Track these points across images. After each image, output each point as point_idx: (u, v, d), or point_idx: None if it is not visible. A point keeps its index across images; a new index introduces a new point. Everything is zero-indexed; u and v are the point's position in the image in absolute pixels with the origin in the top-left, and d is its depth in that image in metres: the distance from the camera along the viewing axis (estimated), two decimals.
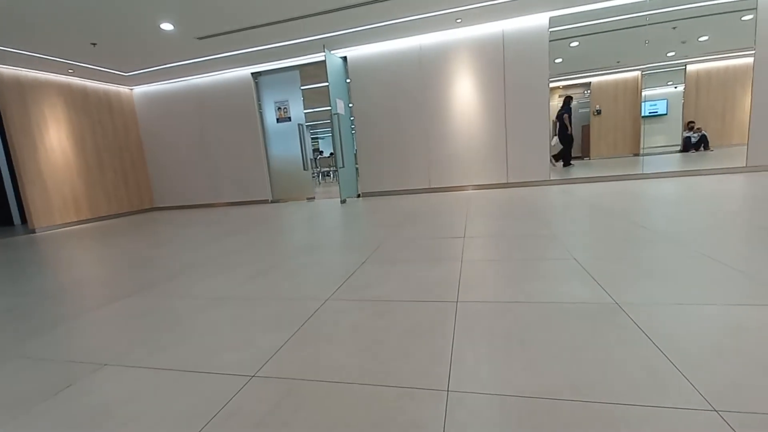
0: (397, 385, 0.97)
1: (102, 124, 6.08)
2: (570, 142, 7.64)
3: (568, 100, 7.71)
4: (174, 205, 6.89)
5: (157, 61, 5.37)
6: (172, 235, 3.81)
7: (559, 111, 7.71)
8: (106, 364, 1.22)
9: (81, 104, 5.77)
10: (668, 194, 3.58)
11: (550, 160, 7.63)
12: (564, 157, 7.80)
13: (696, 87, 8.81)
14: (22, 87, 5.03)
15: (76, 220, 5.62)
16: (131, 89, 6.60)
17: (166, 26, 4.17)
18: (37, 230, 5.12)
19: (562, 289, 1.50)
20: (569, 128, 7.55)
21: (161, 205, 6.97)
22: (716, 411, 0.78)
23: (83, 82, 5.81)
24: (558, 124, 7.74)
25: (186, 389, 1.04)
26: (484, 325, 1.25)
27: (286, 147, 6.15)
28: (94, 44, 4.47)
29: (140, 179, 6.74)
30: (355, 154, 5.94)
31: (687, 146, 8.64)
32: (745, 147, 4.76)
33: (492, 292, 1.52)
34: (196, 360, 1.19)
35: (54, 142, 5.39)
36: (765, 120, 4.54)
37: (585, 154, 9.55)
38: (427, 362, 1.06)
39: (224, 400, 0.97)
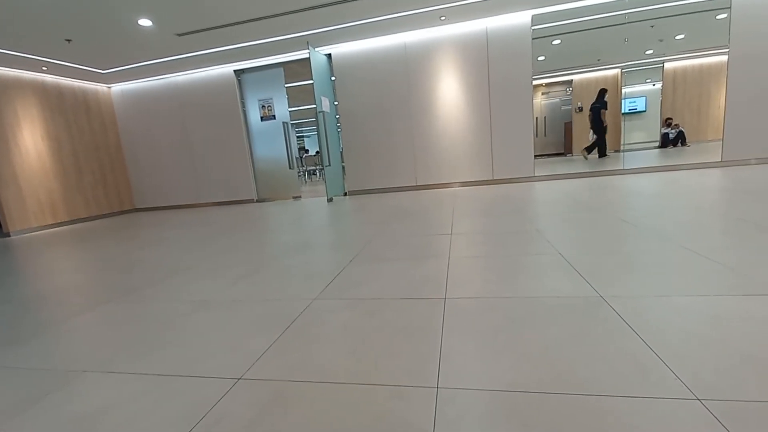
0: (387, 383, 0.96)
1: (78, 124, 5.89)
2: (603, 133, 7.65)
3: (603, 92, 7.71)
4: (156, 206, 6.74)
5: (135, 58, 5.23)
6: (154, 238, 3.73)
7: (593, 104, 7.72)
8: (86, 371, 1.18)
9: (56, 103, 5.58)
10: (649, 189, 3.67)
11: (582, 153, 7.69)
12: (599, 148, 7.80)
13: (673, 84, 9.04)
14: None
15: (52, 222, 5.45)
16: (109, 87, 6.41)
17: (145, 22, 4.06)
18: (12, 234, 4.94)
19: (548, 283, 1.51)
20: (604, 121, 7.58)
21: (142, 206, 6.80)
22: (699, 400, 0.79)
23: (58, 80, 5.61)
24: (591, 116, 7.75)
25: (170, 394, 1.01)
26: (473, 322, 1.25)
27: (270, 146, 6.07)
28: (69, 40, 4.32)
29: (119, 180, 6.56)
30: (342, 152, 5.91)
31: (665, 142, 8.87)
32: (720, 142, 4.91)
33: (479, 289, 1.53)
34: (180, 364, 1.16)
35: (28, 143, 5.20)
36: (739, 116, 4.68)
37: (567, 150, 9.72)
38: (417, 360, 1.06)
39: (210, 404, 0.95)
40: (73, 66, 5.22)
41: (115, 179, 6.47)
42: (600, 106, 7.58)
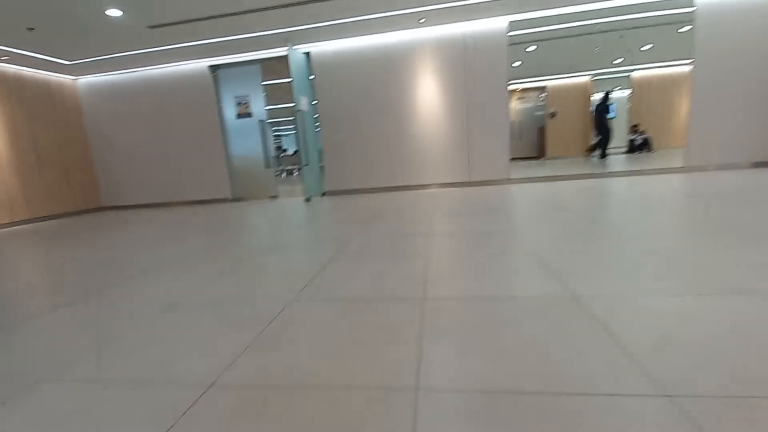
0: (366, 386, 0.95)
1: (41, 117, 5.58)
2: (607, 134, 7.94)
3: (607, 95, 7.99)
4: (124, 205, 6.47)
5: (104, 50, 5.00)
6: (121, 237, 3.57)
7: (598, 105, 8.00)
8: (40, 380, 1.11)
9: (16, 94, 5.27)
10: (618, 192, 3.81)
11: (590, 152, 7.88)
12: (601, 149, 8.06)
13: (639, 92, 9.44)
14: None
15: (9, 221, 5.13)
16: (75, 79, 6.11)
17: (113, 12, 3.89)
18: None
19: (523, 284, 1.54)
20: (607, 123, 7.87)
21: (110, 205, 6.52)
22: (667, 396, 0.82)
23: (19, 70, 5.30)
24: (595, 117, 8.03)
25: (136, 403, 0.96)
26: (451, 322, 1.26)
27: (247, 144, 5.94)
28: (31, 29, 4.09)
29: (85, 177, 6.26)
30: (320, 152, 5.85)
31: (632, 148, 9.24)
32: (683, 149, 5.16)
33: (458, 289, 1.54)
34: (148, 370, 1.11)
35: None
36: (701, 125, 4.93)
37: (540, 154, 9.99)
38: (396, 361, 1.05)
39: (180, 411, 0.91)
40: (36, 56, 4.94)
41: (80, 176, 6.16)
42: (603, 109, 7.90)
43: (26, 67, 5.32)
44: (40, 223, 5.38)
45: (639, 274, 1.55)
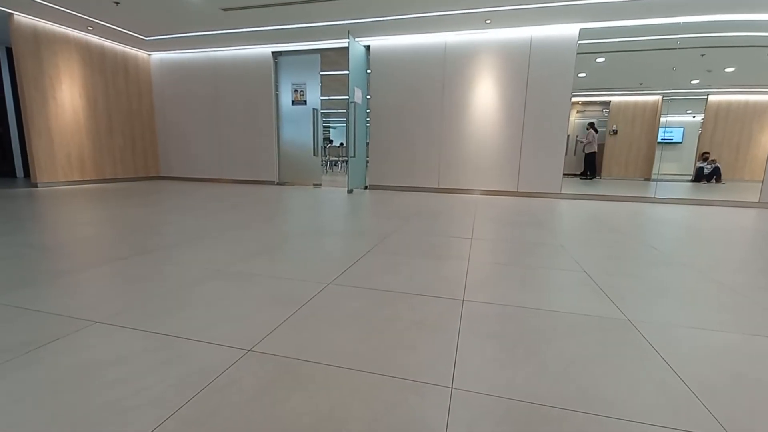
0: (399, 376, 0.92)
1: (116, 86, 6.03)
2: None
3: None
4: (180, 176, 6.85)
5: (179, 29, 5.30)
6: (177, 205, 3.77)
7: None
8: (97, 322, 1.17)
9: (97, 63, 5.71)
10: (680, 220, 3.52)
11: None
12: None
13: (715, 118, 8.71)
14: (38, 37, 4.96)
15: (79, 179, 5.58)
16: (149, 54, 6.53)
17: None
18: (39, 185, 5.08)
19: (573, 299, 1.45)
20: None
21: (167, 175, 6.93)
22: None
23: (101, 41, 5.74)
24: None
25: (178, 356, 0.99)
26: (491, 327, 1.20)
27: (298, 130, 6.09)
28: (117, 3, 4.40)
29: (148, 146, 6.69)
30: (367, 146, 5.89)
31: (699, 176, 8.56)
32: (759, 183, 4.70)
33: (499, 295, 1.48)
34: (190, 328, 1.15)
35: (65, 98, 5.33)
36: None
37: (596, 172, 9.47)
38: (431, 357, 1.01)
39: (218, 371, 0.92)
40: (118, 29, 5.33)
41: (144, 145, 6.59)
42: None
43: (108, 39, 5.74)
44: (104, 184, 5.81)
45: (702, 306, 1.41)
